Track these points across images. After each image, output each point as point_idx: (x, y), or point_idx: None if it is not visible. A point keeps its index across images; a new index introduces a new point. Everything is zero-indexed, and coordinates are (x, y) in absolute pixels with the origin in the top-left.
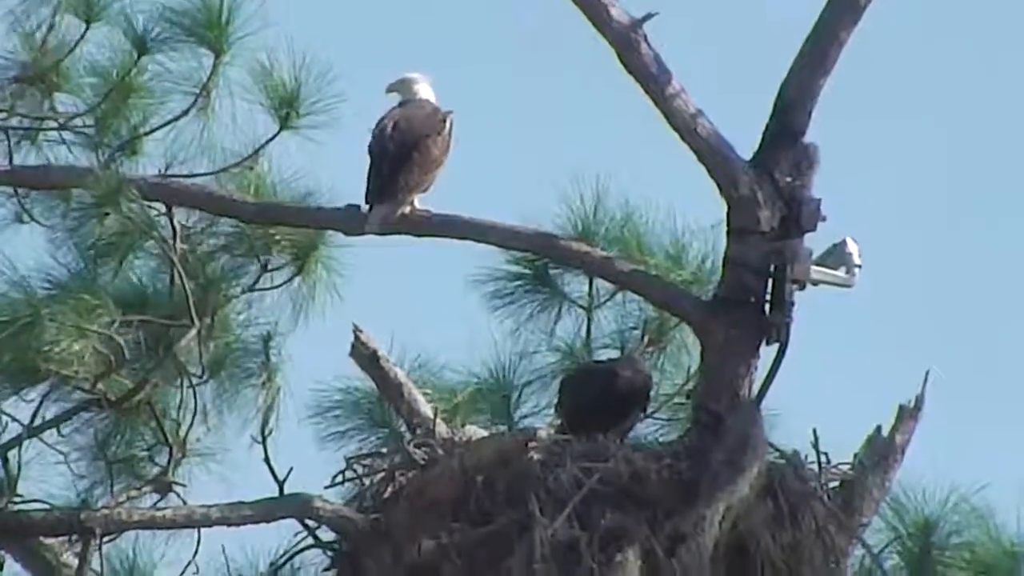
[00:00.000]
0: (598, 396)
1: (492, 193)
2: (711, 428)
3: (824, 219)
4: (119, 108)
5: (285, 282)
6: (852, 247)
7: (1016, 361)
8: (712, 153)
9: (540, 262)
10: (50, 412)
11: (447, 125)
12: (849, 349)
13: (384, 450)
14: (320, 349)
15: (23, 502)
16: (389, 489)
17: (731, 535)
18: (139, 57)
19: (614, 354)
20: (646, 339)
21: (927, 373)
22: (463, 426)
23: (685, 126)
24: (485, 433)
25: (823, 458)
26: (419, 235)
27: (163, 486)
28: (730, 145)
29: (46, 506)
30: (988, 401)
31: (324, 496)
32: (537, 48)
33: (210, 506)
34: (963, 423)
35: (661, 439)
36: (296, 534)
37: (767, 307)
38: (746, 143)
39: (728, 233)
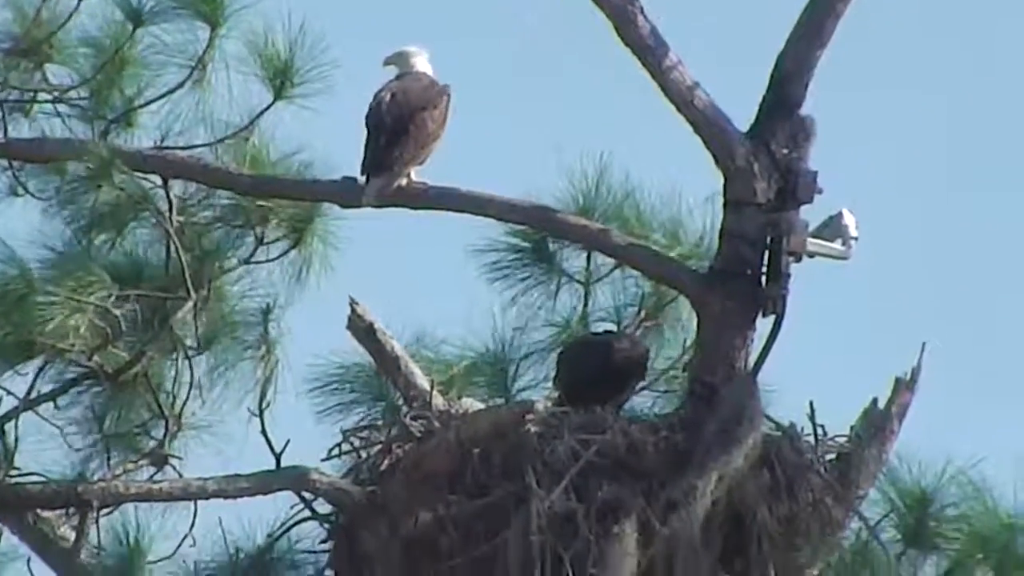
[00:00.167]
0: (596, 368)
1: (489, 167)
2: (706, 400)
3: (820, 191)
4: (114, 80)
5: (281, 255)
6: (848, 219)
7: (1013, 334)
8: (709, 125)
9: (538, 235)
10: (46, 387)
11: (444, 98)
12: (845, 321)
13: (381, 423)
14: (317, 322)
15: (20, 475)
16: (386, 462)
17: (727, 507)
18: (134, 29)
19: (611, 327)
20: (643, 313)
21: (923, 345)
22: (459, 399)
23: (682, 98)
24: (482, 406)
25: (820, 430)
26: (416, 208)
27: (159, 459)
28: (727, 117)
29: (43, 479)
30: (985, 374)
31: (320, 469)
32: (534, 21)
33: (207, 479)
34: (960, 396)
35: (657, 412)
36: (292, 507)
37: (763, 279)
38: (743, 116)
39: (724, 205)
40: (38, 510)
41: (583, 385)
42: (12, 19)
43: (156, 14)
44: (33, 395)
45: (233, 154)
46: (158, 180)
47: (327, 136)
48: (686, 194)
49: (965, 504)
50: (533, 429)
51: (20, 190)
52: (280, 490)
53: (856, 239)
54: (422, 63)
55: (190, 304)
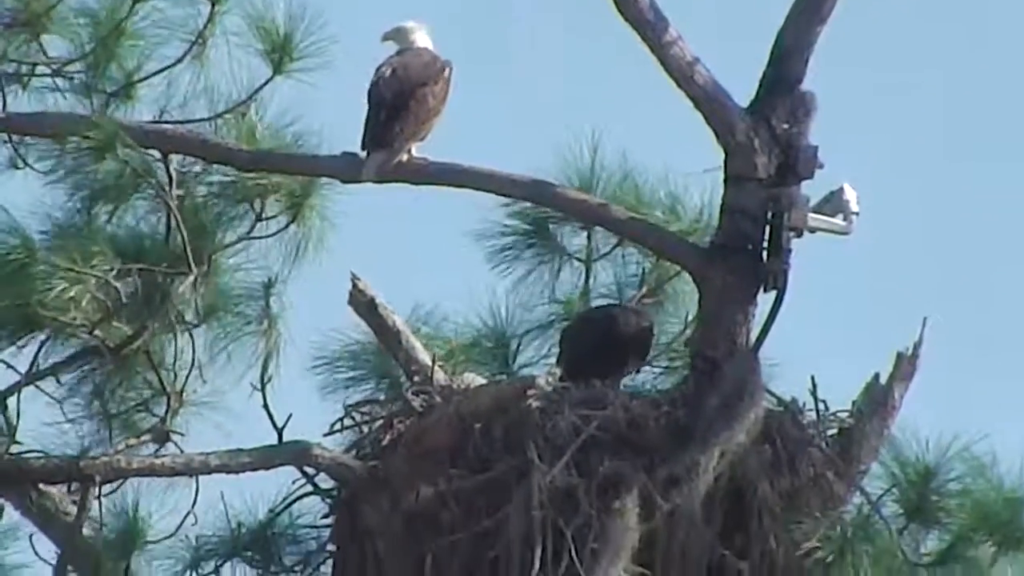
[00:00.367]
0: (598, 341)
1: (490, 142)
2: (708, 375)
3: (821, 166)
4: (113, 54)
5: (280, 230)
6: (849, 194)
7: (1015, 308)
8: (709, 100)
9: (539, 215)
10: (49, 363)
11: (445, 74)
12: (847, 296)
13: (382, 398)
14: (317, 297)
15: (22, 452)
16: (387, 437)
17: (729, 482)
18: (135, 2)
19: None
20: (644, 290)
21: (924, 320)
22: (460, 374)
23: (682, 74)
24: (483, 381)
25: (821, 405)
26: (416, 183)
27: (161, 435)
28: (727, 93)
29: (45, 454)
30: (988, 348)
31: (322, 444)
32: None
33: (209, 453)
34: (963, 370)
35: (659, 387)
36: (294, 482)
37: (764, 254)
38: (743, 92)
39: (725, 180)
40: (40, 485)
41: (586, 358)
42: None
43: None
44: (35, 370)
45: (232, 129)
46: (157, 154)
47: (326, 111)
48: (684, 170)
49: (968, 479)
50: (534, 404)
51: (20, 163)
52: (282, 465)
53: (857, 214)
54: (422, 38)
55: (191, 279)
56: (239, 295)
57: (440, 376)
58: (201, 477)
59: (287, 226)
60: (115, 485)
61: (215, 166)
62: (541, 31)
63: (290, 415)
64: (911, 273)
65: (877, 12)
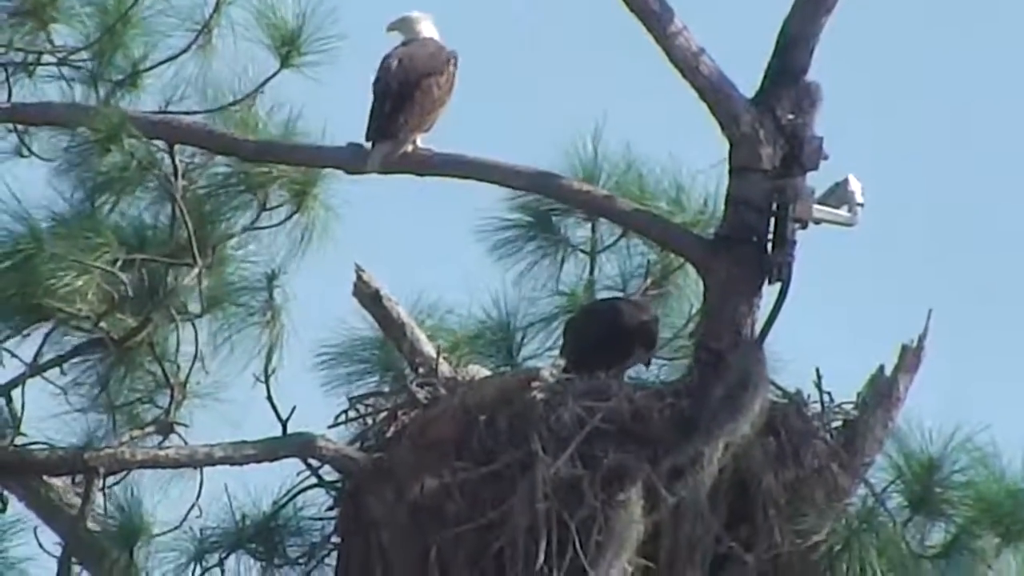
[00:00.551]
0: (602, 331)
1: (495, 133)
2: (712, 367)
3: (826, 157)
4: (119, 43)
5: (284, 220)
6: (854, 185)
7: (1021, 301)
8: (714, 91)
9: (543, 208)
10: (53, 354)
11: (451, 65)
12: (852, 288)
13: (387, 389)
14: (321, 288)
15: (26, 443)
16: (392, 428)
17: (733, 474)
18: None
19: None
20: (649, 281)
21: (929, 312)
22: (464, 366)
23: (687, 64)
24: (488, 373)
25: (826, 397)
26: (421, 174)
27: (165, 427)
28: (732, 84)
29: (49, 446)
30: (992, 341)
31: (327, 436)
32: None
33: (213, 445)
34: (967, 362)
35: (664, 379)
36: (299, 473)
37: (769, 246)
38: (748, 84)
39: (730, 172)
40: (44, 476)
41: (590, 348)
42: None
43: None
44: (39, 361)
45: (237, 120)
46: (162, 145)
47: (332, 106)
48: (688, 161)
49: (972, 471)
50: (539, 396)
51: (25, 151)
52: (287, 457)
53: (862, 205)
54: (428, 28)
55: (195, 270)
56: (243, 286)
57: (445, 368)
58: (205, 469)
59: (291, 216)
60: (119, 477)
61: (220, 156)
62: (545, 21)
63: (294, 407)
64: (916, 265)
65: (882, 1)
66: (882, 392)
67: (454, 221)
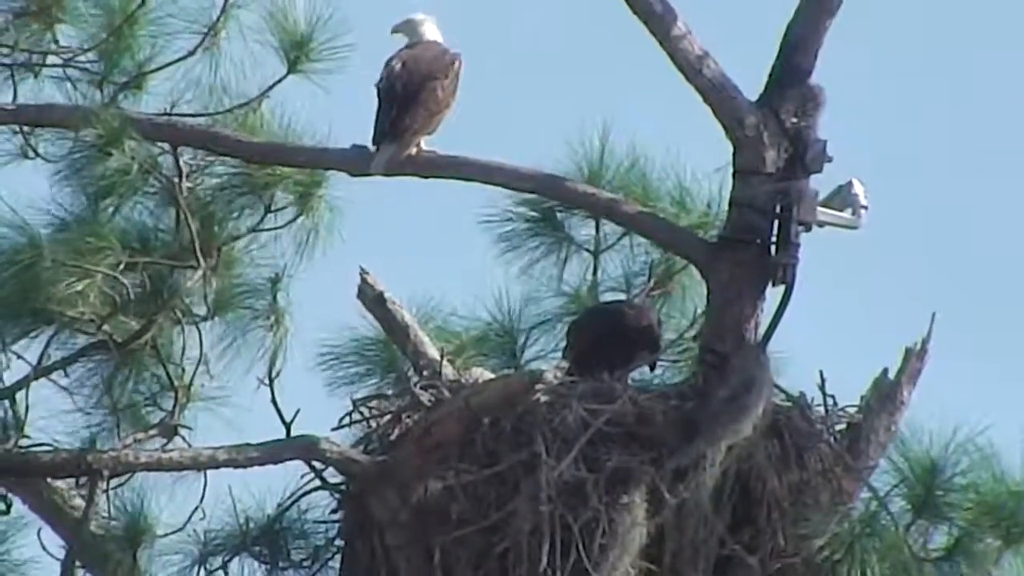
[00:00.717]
0: (606, 334)
1: (499, 135)
2: (716, 369)
3: (830, 160)
4: (125, 44)
5: (288, 222)
6: (858, 188)
7: (1022, 304)
8: (717, 94)
9: (547, 205)
10: (57, 356)
11: (455, 67)
12: (855, 291)
13: (390, 391)
14: (325, 291)
15: (30, 446)
16: (396, 431)
17: (737, 476)
18: None
19: (620, 297)
20: (652, 282)
21: (933, 315)
22: (468, 369)
23: (691, 67)
24: (491, 375)
25: (830, 400)
26: (425, 176)
27: (169, 430)
28: (736, 87)
29: (53, 448)
30: (995, 343)
31: (330, 438)
32: None
33: (217, 448)
34: (969, 365)
35: (667, 381)
36: (302, 476)
37: (773, 248)
38: (752, 87)
39: (734, 174)
40: (48, 479)
41: (592, 351)
42: None
43: None
44: (43, 364)
45: (242, 123)
46: (166, 147)
47: (338, 113)
48: (691, 164)
49: (973, 473)
50: (543, 398)
51: (30, 152)
52: (290, 459)
53: (866, 208)
54: (431, 31)
55: (199, 273)
56: (247, 289)
57: (448, 370)
58: (209, 472)
59: (296, 218)
60: (123, 480)
61: (224, 158)
62: (548, 23)
63: (298, 410)
64: (919, 268)
65: (886, 4)
66: (885, 395)
67: (458, 223)
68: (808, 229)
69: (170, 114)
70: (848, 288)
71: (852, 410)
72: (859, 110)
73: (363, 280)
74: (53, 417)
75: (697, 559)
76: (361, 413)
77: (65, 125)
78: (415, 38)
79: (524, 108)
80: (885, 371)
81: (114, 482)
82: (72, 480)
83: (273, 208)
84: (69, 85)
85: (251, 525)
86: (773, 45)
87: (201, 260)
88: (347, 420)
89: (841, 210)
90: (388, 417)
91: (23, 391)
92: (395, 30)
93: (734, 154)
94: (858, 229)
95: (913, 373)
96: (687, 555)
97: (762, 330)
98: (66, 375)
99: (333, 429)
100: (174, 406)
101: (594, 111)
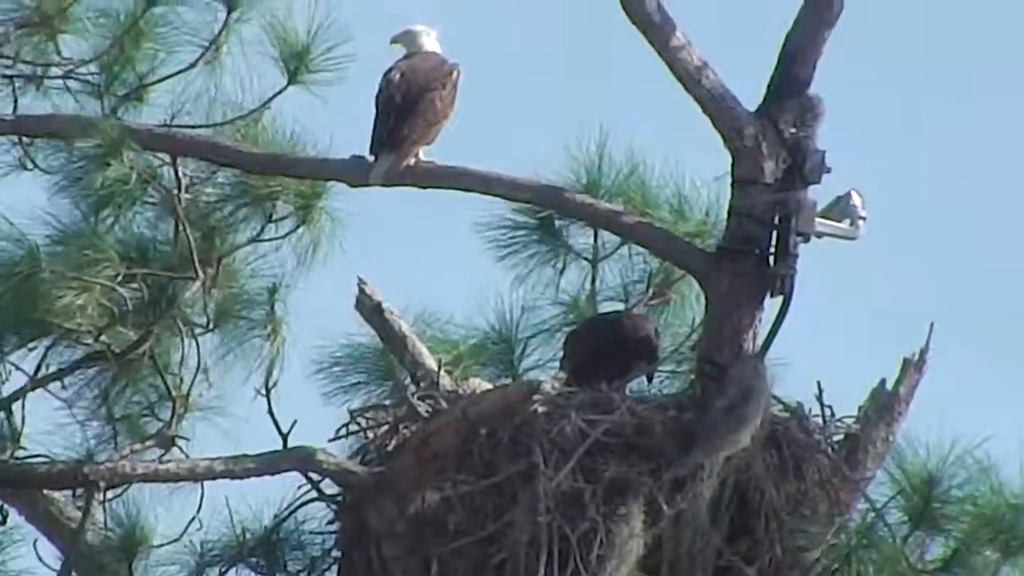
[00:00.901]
0: (604, 344)
1: (497, 145)
2: (714, 379)
3: (829, 171)
4: (127, 56)
5: (288, 232)
6: (856, 199)
7: (1020, 315)
8: (716, 104)
9: (545, 213)
10: (54, 367)
11: (453, 77)
12: (853, 301)
13: (388, 403)
14: (323, 301)
15: (27, 456)
16: (393, 441)
17: (735, 487)
18: (149, 6)
19: (619, 307)
20: (651, 292)
21: (931, 326)
22: (465, 379)
23: (689, 77)
24: (489, 385)
25: (827, 411)
26: (424, 187)
27: (166, 440)
28: (734, 97)
29: (49, 459)
30: (993, 354)
31: (327, 449)
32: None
33: (213, 459)
34: (967, 376)
35: (665, 391)
36: (299, 487)
37: (771, 259)
38: (751, 98)
39: (732, 184)
40: (45, 490)
41: (590, 361)
42: None
43: None
44: (40, 374)
45: (242, 134)
46: (166, 157)
47: (337, 124)
48: (690, 172)
49: (971, 485)
50: (540, 408)
51: (29, 164)
52: (287, 470)
53: (864, 219)
54: (430, 42)
55: (198, 283)
56: (245, 300)
57: (446, 381)
58: (206, 482)
59: (296, 228)
60: (119, 490)
61: (223, 169)
62: (547, 33)
63: (295, 421)
64: (917, 279)
65: (885, 15)
66: (883, 406)
67: (456, 233)
68: (807, 240)
69: (170, 125)
70: (846, 299)
71: (850, 421)
72: (858, 121)
73: (361, 290)
74: (50, 432)
75: (695, 570)
76: (358, 424)
77: (64, 135)
78: (414, 48)
79: (523, 117)
80: (883, 382)
81: (110, 493)
82: (69, 491)
83: (273, 219)
84: (70, 96)
85: (248, 536)
86: (772, 56)
87: (200, 271)
88: (344, 431)
89: (839, 221)
90: (385, 428)
91: (20, 402)
92: (394, 41)
93: (733, 164)
94: (856, 240)
95: (911, 384)
96: (685, 566)
97: (760, 341)
98: (63, 386)
99: (330, 440)
100: (172, 416)
101: (593, 119)
